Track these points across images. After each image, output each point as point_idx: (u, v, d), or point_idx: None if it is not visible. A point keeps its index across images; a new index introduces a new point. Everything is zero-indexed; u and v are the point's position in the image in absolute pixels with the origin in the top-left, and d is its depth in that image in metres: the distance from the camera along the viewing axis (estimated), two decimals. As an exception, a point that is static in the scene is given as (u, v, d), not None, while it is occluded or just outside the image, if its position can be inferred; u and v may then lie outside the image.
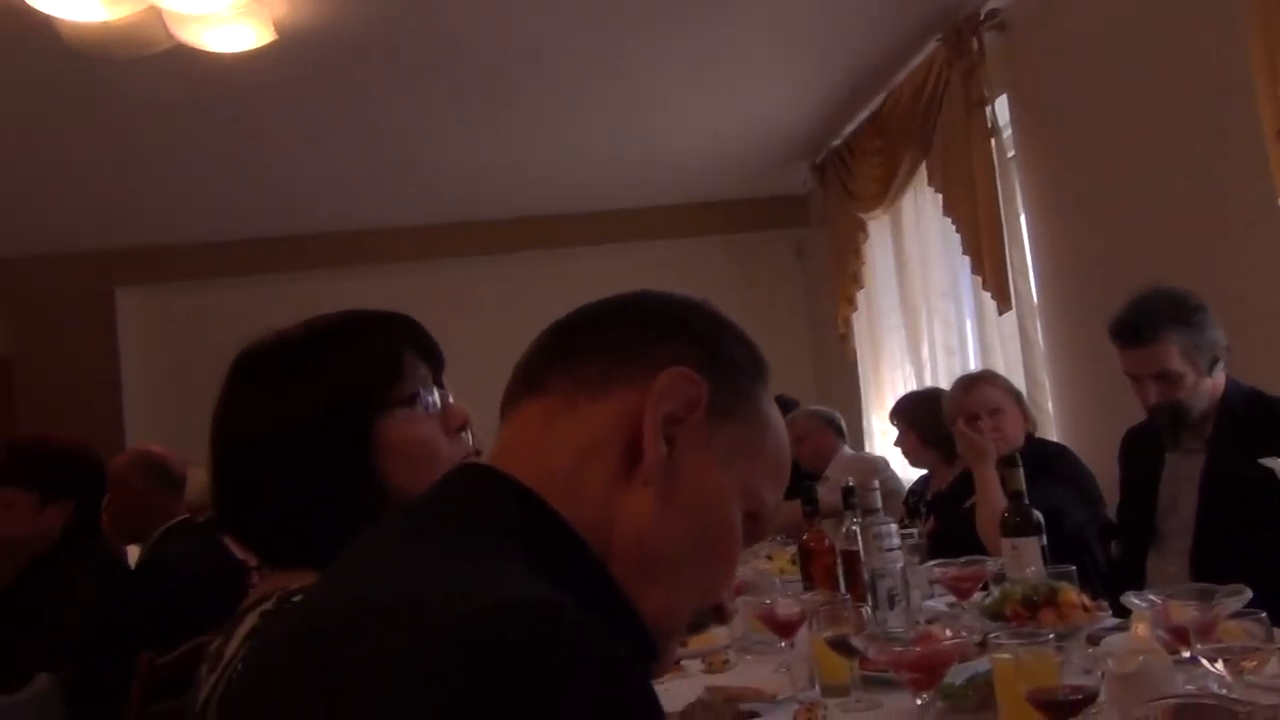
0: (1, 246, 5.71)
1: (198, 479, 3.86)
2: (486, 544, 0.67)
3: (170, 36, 3.09)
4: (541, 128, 4.94)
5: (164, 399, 5.96)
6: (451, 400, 1.21)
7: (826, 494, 2.83)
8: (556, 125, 4.94)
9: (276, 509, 1.13)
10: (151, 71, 3.58)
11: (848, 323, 5.75)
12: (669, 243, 6.32)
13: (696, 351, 0.77)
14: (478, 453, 1.22)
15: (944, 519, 3.15)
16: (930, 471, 3.55)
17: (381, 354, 1.16)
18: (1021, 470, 2.05)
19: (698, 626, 0.79)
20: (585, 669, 0.55)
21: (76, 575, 2.59)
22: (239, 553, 3.71)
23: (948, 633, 1.46)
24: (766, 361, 0.83)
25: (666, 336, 0.77)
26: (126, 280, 6.08)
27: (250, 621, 1.06)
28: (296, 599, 1.06)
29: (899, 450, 3.71)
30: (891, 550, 2.06)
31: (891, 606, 2.01)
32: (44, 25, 3.04)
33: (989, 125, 4.02)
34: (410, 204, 5.89)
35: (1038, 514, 2.03)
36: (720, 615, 0.79)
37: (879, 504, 2.12)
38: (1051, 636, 1.40)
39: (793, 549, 2.79)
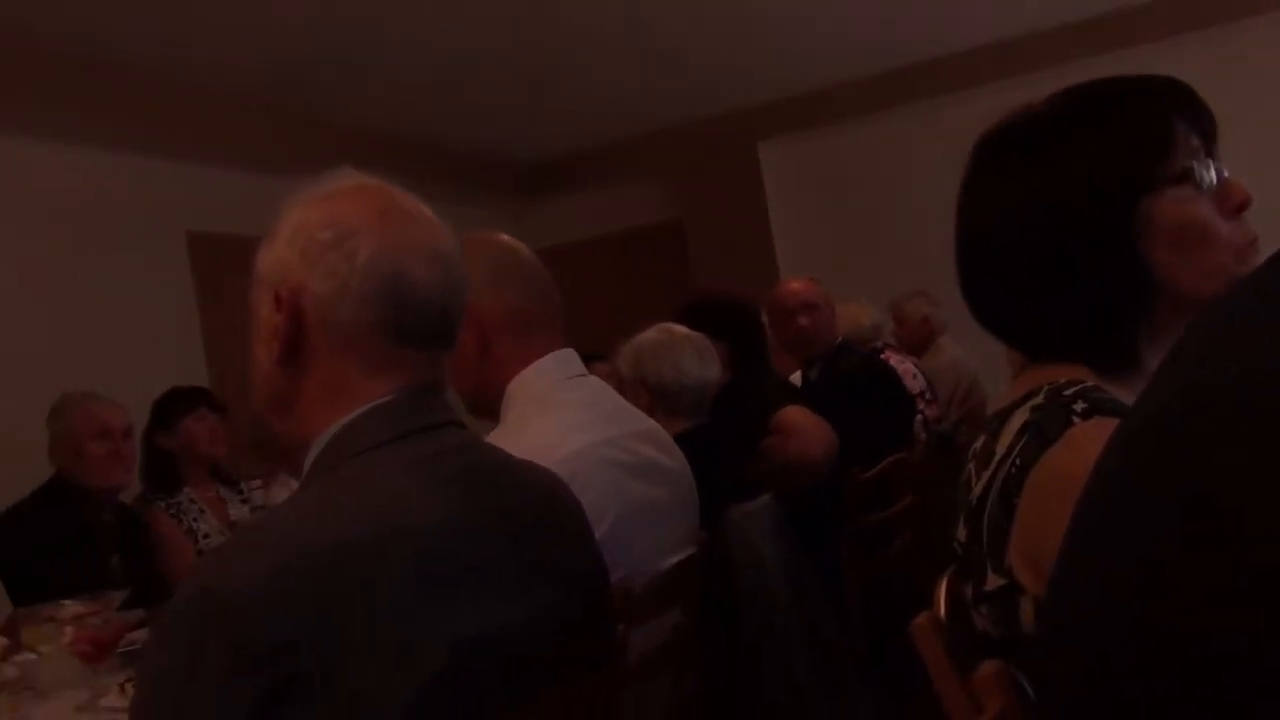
0: (663, 118, 6.32)
1: (847, 315, 4.03)
2: None
3: None
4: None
5: (810, 241, 6.28)
6: (1227, 175, 1.05)
7: None
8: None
9: (1034, 301, 1.06)
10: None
11: None
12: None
13: None
14: (1255, 240, 1.05)
15: None
16: None
17: (1147, 124, 1.02)
18: None
19: None
20: None
21: (748, 402, 2.83)
22: (908, 383, 3.86)
23: None
24: None
25: None
26: (766, 133, 6.41)
27: (1020, 418, 1.02)
28: (1068, 392, 1.00)
29: None
30: None
31: None
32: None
33: None
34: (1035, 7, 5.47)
35: None
36: None
37: None
38: None
39: None
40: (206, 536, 3.33)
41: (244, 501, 3.53)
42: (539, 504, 1.17)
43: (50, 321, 4.10)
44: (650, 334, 2.54)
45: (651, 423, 1.79)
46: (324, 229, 1.07)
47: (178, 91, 4.67)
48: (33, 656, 2.16)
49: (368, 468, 1.03)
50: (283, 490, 3.51)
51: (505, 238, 1.74)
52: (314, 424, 1.08)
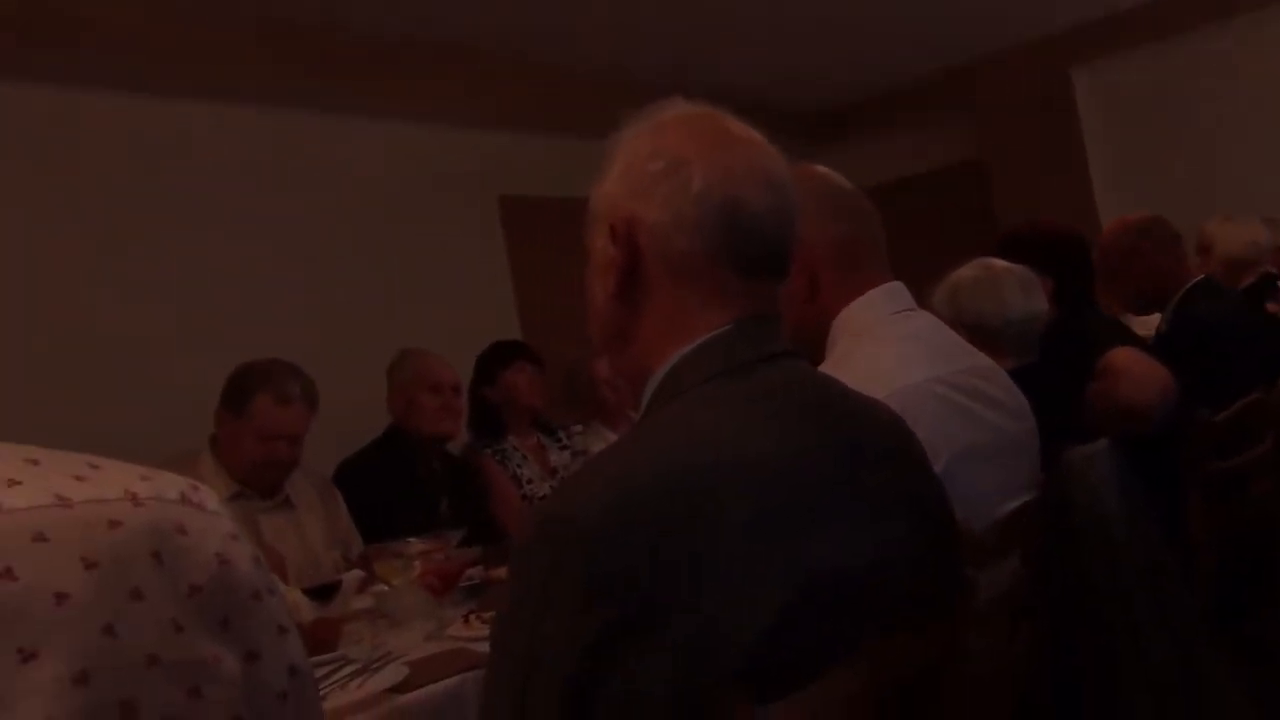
0: (964, 51, 6.00)
1: (1231, 234, 3.67)
2: None
3: None
4: None
5: (1133, 173, 5.79)
6: None
7: None
8: None
9: None
10: None
11: None
12: None
13: None
14: None
15: None
16: None
17: None
18: None
19: None
20: None
21: (1077, 341, 2.63)
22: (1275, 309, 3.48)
23: None
24: None
25: None
26: (1079, 59, 5.93)
27: None
28: None
29: None
30: None
31: None
32: None
33: None
34: None
35: None
36: None
37: None
38: None
39: None
40: (529, 481, 3.50)
41: (563, 448, 3.68)
42: (885, 437, 1.11)
43: (379, 287, 4.42)
44: (967, 270, 2.41)
45: (987, 359, 1.68)
46: (654, 159, 1.06)
47: (486, 62, 4.89)
48: (385, 588, 2.34)
49: (710, 398, 1.02)
50: (597, 439, 3.62)
51: (826, 170, 1.68)
52: (653, 356, 1.08)
